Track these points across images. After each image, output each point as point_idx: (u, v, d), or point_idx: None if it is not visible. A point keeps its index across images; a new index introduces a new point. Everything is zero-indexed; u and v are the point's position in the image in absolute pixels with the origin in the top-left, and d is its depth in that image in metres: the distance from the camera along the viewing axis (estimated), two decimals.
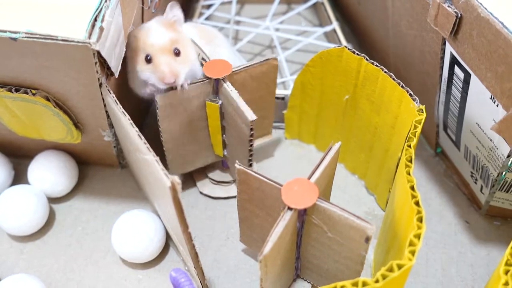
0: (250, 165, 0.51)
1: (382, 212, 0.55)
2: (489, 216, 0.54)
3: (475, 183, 0.52)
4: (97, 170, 0.59)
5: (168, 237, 0.52)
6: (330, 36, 0.68)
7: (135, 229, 0.49)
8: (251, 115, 0.46)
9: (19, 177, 0.57)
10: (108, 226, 0.53)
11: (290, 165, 0.59)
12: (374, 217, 0.54)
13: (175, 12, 0.49)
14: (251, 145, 0.49)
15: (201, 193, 0.56)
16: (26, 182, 0.55)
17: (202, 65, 0.50)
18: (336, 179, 0.51)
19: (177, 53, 0.47)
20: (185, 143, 0.53)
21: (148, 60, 0.47)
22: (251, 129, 0.47)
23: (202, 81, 0.49)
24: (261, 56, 0.70)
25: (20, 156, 0.58)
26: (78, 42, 0.39)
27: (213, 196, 0.56)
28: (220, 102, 0.50)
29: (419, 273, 0.50)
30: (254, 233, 0.48)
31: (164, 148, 0.52)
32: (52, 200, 0.56)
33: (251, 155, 0.49)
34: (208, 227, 0.54)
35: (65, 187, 0.55)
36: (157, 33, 0.47)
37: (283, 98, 0.59)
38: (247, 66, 0.50)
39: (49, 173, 0.54)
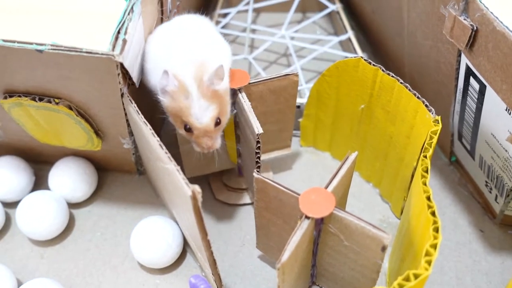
0: None
1: (396, 220, 0.55)
2: (504, 225, 0.54)
3: (490, 192, 0.53)
4: (116, 176, 0.60)
5: (185, 243, 0.53)
6: (345, 45, 0.69)
7: (154, 235, 0.50)
8: (258, 128, 0.46)
9: (39, 183, 0.58)
10: (127, 231, 0.54)
11: (305, 172, 0.60)
12: (388, 224, 0.55)
13: (220, 76, 0.45)
14: (258, 157, 0.48)
15: (217, 199, 0.57)
16: (47, 188, 0.56)
17: None
18: (351, 187, 0.52)
19: (218, 122, 0.46)
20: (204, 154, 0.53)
21: (188, 129, 0.45)
22: (258, 142, 0.47)
23: None
24: (277, 65, 0.71)
25: (41, 162, 0.59)
26: (102, 54, 0.40)
27: (229, 202, 0.57)
28: (235, 111, 0.51)
29: (433, 282, 0.51)
30: (271, 241, 0.49)
31: (180, 150, 0.53)
32: (72, 205, 0.57)
33: (258, 167, 0.49)
34: (224, 234, 0.55)
35: (84, 193, 0.56)
36: (200, 111, 0.44)
37: (298, 107, 0.60)
38: (265, 79, 0.50)
39: (69, 179, 0.55)
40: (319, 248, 0.45)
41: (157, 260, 0.50)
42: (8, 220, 0.56)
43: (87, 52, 0.40)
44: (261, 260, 0.53)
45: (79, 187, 0.55)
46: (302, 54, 0.71)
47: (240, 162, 0.56)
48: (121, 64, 0.41)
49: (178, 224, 0.52)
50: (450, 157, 0.59)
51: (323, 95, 0.55)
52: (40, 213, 0.52)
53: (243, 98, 0.49)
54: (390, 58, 0.64)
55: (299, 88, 0.65)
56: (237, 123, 0.52)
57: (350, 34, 0.68)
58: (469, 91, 0.48)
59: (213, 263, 0.45)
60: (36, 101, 0.46)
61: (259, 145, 0.47)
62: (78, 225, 0.56)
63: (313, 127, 0.60)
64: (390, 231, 0.54)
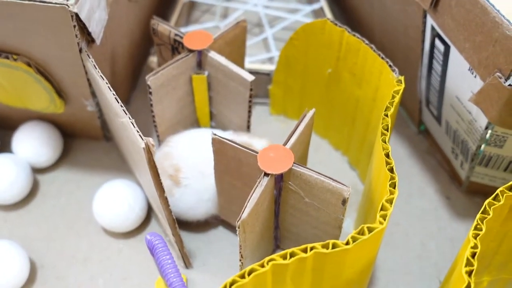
0: (249, 127, 0.52)
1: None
2: (470, 192, 0.54)
3: (456, 158, 0.52)
4: (83, 142, 0.59)
5: (150, 209, 0.52)
6: (318, 14, 0.68)
7: (115, 197, 0.49)
8: (249, 76, 0.47)
9: (4, 147, 0.57)
10: (91, 197, 0.53)
11: (274, 141, 0.59)
12: (355, 191, 0.55)
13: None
14: (250, 106, 0.49)
15: None
16: (11, 152, 0.55)
17: None
18: (319, 155, 0.52)
19: None
20: (175, 123, 0.53)
21: None
22: (251, 89, 0.47)
23: (186, 55, 0.49)
24: (249, 34, 0.70)
25: (5, 127, 0.58)
26: (56, 3, 0.39)
27: None
28: (206, 73, 0.50)
29: (397, 246, 0.50)
30: (233, 205, 0.48)
31: (157, 133, 0.52)
32: (37, 171, 0.56)
33: (249, 117, 0.50)
34: None
35: (48, 158, 0.55)
36: None
37: (268, 74, 0.59)
38: (222, 33, 0.50)
39: (33, 143, 0.54)
40: (280, 208, 0.44)
41: (119, 223, 0.50)
42: None
43: (40, 1, 0.39)
44: (224, 227, 0.52)
45: (43, 151, 0.54)
46: (275, 24, 0.70)
47: (213, 125, 0.56)
48: (77, 16, 0.40)
49: (143, 188, 0.51)
50: (419, 125, 0.59)
51: (292, 61, 0.55)
52: (1, 176, 0.51)
53: (215, 55, 0.48)
54: (361, 26, 0.63)
55: (270, 56, 0.64)
56: (209, 84, 0.51)
57: (323, 3, 0.67)
58: (434, 54, 0.48)
59: (172, 223, 0.44)
60: None
61: (251, 92, 0.48)
62: (42, 190, 0.55)
63: (283, 94, 0.59)
64: (357, 198, 0.54)
